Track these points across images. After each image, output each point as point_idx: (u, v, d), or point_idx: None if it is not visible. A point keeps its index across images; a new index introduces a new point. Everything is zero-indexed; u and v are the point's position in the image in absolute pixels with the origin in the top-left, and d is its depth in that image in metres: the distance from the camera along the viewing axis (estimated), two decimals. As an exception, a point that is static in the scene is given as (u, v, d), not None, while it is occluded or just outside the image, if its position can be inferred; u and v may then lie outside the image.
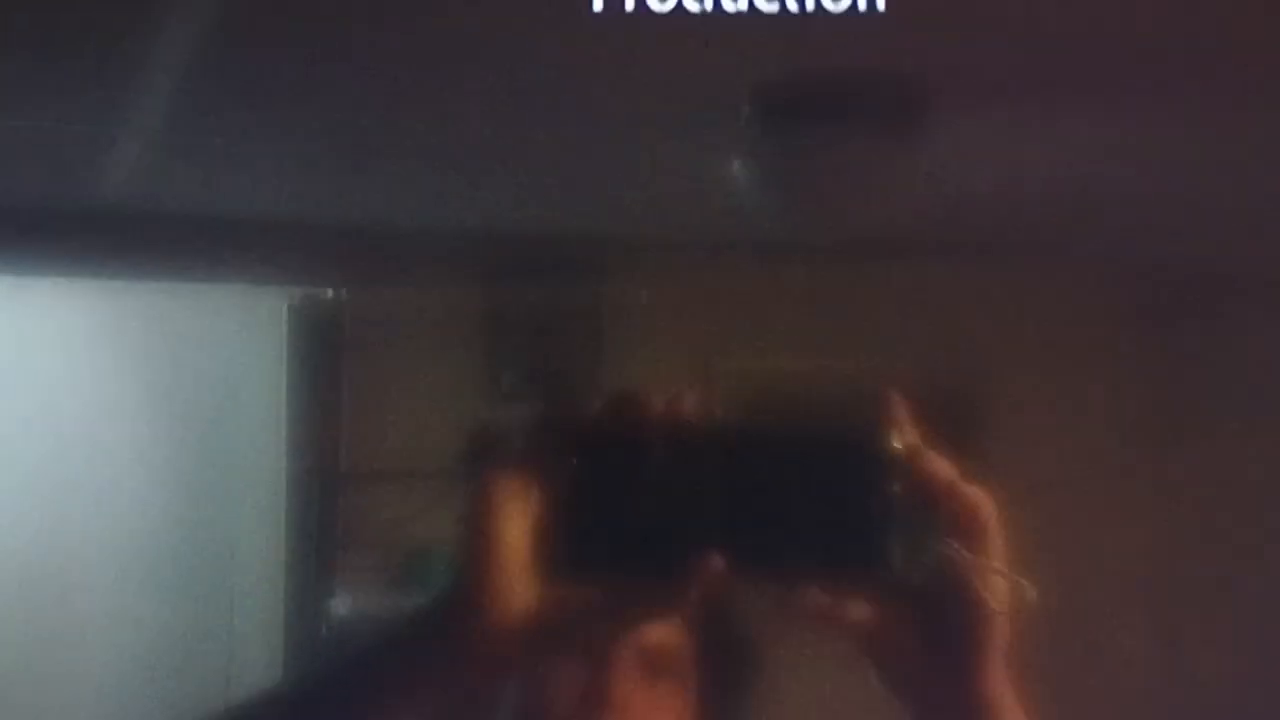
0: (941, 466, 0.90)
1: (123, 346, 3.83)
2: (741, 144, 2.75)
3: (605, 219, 3.73)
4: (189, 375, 3.85)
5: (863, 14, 2.30)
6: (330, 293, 3.87)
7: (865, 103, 2.67)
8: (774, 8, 2.28)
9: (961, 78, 2.61)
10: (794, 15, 2.29)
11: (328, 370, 3.87)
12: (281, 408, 3.86)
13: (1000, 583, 0.91)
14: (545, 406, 3.69)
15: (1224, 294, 3.64)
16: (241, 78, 2.68)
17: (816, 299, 3.88)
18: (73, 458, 3.78)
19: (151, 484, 3.82)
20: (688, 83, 2.64)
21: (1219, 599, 3.82)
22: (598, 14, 2.28)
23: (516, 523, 0.90)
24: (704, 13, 2.31)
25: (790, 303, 3.87)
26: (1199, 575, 3.83)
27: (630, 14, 2.29)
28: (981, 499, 0.91)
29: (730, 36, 2.39)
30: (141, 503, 3.81)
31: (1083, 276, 3.86)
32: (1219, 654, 3.78)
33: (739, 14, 2.30)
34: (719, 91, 2.65)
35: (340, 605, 3.82)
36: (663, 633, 1.21)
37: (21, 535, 3.73)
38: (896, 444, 0.90)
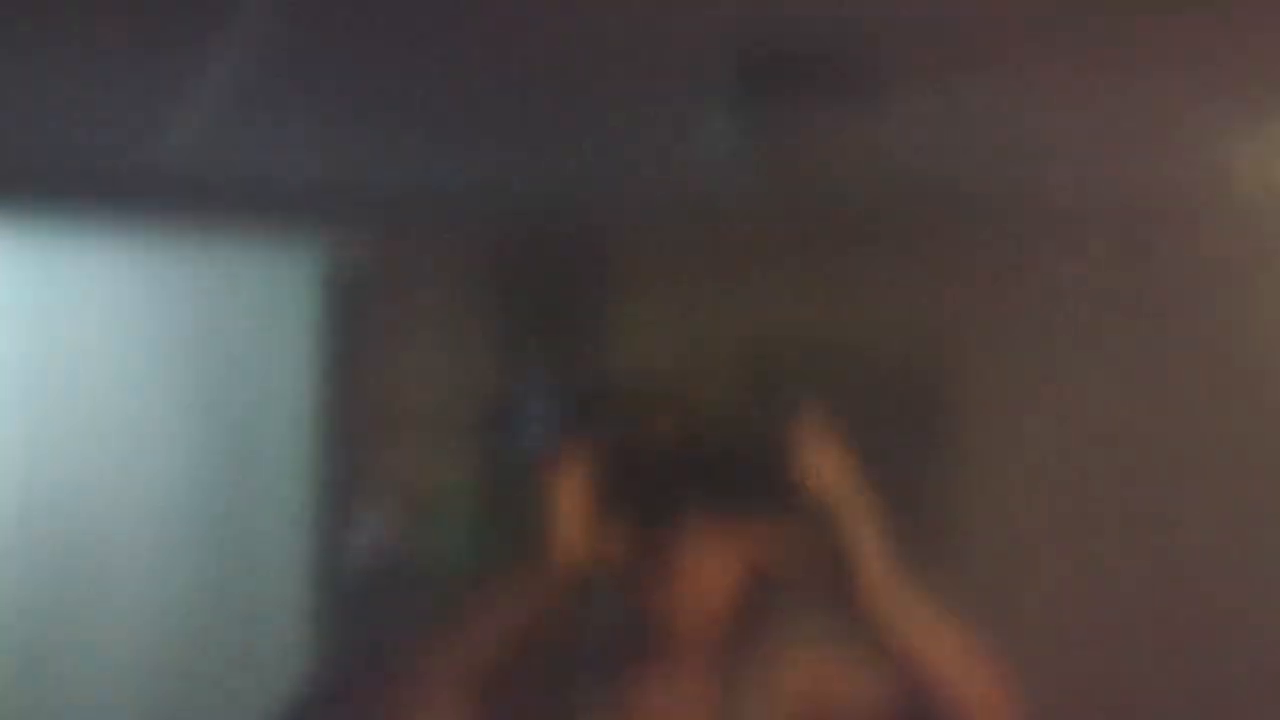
0: (825, 462, 1.58)
1: (152, 306, 3.92)
2: (730, 111, 2.79)
3: (606, 186, 3.75)
4: (218, 335, 3.96)
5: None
6: (355, 257, 3.98)
7: (852, 69, 2.69)
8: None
9: (945, 44, 2.62)
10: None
11: (352, 331, 3.98)
12: (308, 366, 3.99)
13: (868, 532, 1.56)
14: (554, 377, 3.78)
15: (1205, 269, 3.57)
16: (268, 47, 2.68)
17: (809, 268, 3.89)
18: (102, 411, 3.87)
19: (180, 438, 3.93)
20: (673, 48, 2.66)
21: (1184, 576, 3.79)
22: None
23: (572, 487, 1.56)
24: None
25: (784, 273, 3.88)
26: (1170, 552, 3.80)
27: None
28: (833, 487, 1.57)
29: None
30: (169, 457, 3.91)
31: (1067, 247, 3.81)
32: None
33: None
34: (705, 58, 2.68)
35: (359, 549, 3.95)
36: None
37: (53, 485, 3.83)
38: (804, 447, 1.60)
